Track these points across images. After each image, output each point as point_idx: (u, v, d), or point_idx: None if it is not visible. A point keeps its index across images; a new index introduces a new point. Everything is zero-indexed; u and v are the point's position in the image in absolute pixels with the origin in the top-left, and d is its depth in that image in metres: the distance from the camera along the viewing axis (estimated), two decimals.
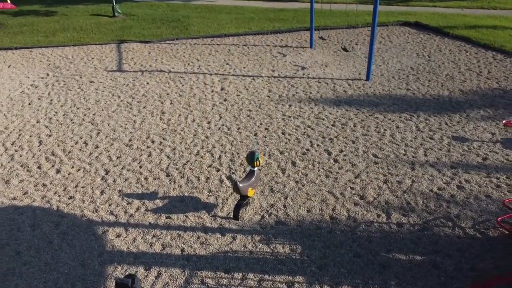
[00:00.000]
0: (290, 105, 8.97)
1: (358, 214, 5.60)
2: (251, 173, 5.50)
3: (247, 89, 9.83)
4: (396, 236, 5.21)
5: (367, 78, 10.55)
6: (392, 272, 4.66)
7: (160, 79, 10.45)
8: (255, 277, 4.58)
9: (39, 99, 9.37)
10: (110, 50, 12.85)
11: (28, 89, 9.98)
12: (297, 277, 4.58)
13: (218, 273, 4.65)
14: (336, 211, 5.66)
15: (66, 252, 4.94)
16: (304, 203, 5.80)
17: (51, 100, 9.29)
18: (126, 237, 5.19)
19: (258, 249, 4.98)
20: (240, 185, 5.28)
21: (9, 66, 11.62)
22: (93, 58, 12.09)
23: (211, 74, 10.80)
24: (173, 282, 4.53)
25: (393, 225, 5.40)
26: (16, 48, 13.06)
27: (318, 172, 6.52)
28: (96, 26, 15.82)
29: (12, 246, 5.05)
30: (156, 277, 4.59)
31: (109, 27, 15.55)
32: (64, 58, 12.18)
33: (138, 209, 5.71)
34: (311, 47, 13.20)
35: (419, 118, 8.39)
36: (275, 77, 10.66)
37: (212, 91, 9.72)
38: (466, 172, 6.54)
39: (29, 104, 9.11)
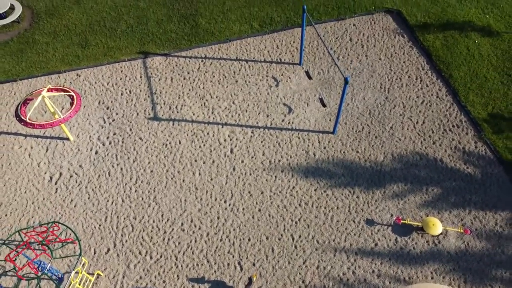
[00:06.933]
0: (275, 177, 14.10)
1: None
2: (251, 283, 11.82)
3: (248, 151, 14.59)
4: None
5: (333, 131, 14.95)
6: None
7: (187, 135, 14.95)
8: None
9: (112, 166, 14.39)
10: (139, 76, 16.29)
11: (99, 147, 14.75)
12: None
13: None
14: None
15: None
16: (275, 287, 12.33)
17: (121, 169, 14.33)
18: None
19: None
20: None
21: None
22: (130, 93, 15.88)
23: (222, 126, 15.14)
24: None
25: None
26: (64, 71, 16.41)
27: (285, 259, 12.72)
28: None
29: None
30: None
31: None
32: (104, 89, 15.94)
33: None
34: (300, 64, 16.45)
35: (353, 195, 13.72)
36: (268, 128, 15.05)
37: (225, 155, 14.53)
38: (361, 258, 12.70)
39: (109, 174, 14.25)
